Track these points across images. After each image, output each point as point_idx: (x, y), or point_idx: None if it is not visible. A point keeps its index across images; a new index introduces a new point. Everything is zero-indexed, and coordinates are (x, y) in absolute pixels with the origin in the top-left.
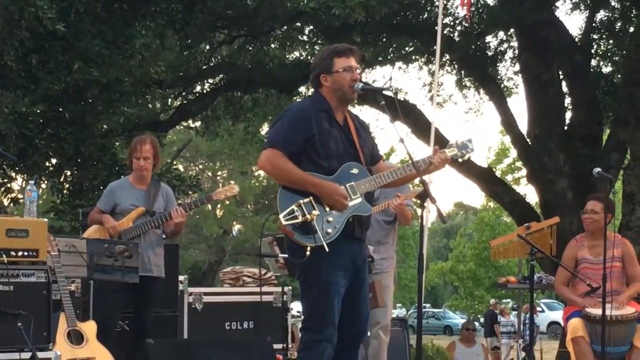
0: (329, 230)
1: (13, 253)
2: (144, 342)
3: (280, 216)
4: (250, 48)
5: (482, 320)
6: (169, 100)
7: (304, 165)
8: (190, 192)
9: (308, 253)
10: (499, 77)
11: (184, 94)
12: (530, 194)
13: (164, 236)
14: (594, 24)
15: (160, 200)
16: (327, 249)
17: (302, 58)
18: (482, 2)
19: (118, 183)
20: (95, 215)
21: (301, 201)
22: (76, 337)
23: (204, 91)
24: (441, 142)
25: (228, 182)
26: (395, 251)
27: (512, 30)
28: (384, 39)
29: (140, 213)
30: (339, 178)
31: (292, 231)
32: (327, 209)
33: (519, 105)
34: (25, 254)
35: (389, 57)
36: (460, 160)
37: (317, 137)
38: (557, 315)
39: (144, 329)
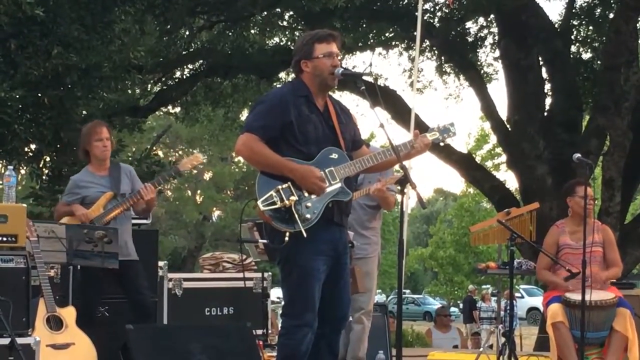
0: (308, 216)
1: None
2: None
3: (259, 202)
4: (230, 34)
5: (461, 306)
6: (149, 85)
7: (283, 151)
8: (169, 178)
9: (287, 239)
10: (479, 63)
11: (163, 79)
12: (510, 180)
13: (135, 217)
14: (573, 10)
15: (125, 181)
16: (305, 235)
17: (282, 44)
18: None
19: (80, 175)
20: (63, 208)
21: (279, 187)
22: (55, 323)
23: (184, 77)
24: (421, 128)
25: (192, 153)
26: (379, 236)
27: (492, 16)
28: (364, 25)
29: (109, 198)
30: (318, 163)
31: (270, 217)
32: (306, 194)
33: (498, 91)
34: (4, 239)
35: (369, 43)
36: (441, 144)
37: (295, 122)
38: (537, 301)
39: (147, 311)
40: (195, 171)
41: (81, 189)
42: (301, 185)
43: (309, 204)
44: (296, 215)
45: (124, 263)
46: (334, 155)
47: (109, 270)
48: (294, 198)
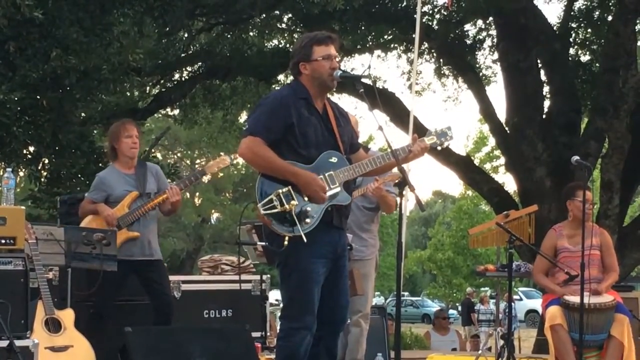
0: (307, 220)
1: None
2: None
3: (259, 205)
4: (229, 36)
5: (460, 308)
6: (147, 88)
7: (283, 154)
8: (168, 181)
9: (286, 242)
10: (477, 65)
11: (162, 81)
12: (509, 182)
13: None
14: (572, 13)
15: (151, 180)
16: (305, 240)
17: (280, 46)
18: None
19: (106, 172)
20: (89, 206)
21: (280, 191)
22: (54, 325)
23: (183, 79)
24: (420, 130)
25: (218, 155)
26: (377, 239)
27: (490, 18)
28: (363, 27)
29: (135, 197)
30: (317, 167)
31: (270, 220)
32: (306, 198)
33: (497, 93)
34: (3, 241)
35: (367, 45)
36: (439, 148)
37: (296, 125)
38: (535, 304)
39: (170, 311)
40: (221, 174)
41: (107, 186)
42: (303, 192)
43: (308, 208)
44: (296, 220)
45: (147, 262)
46: (334, 159)
47: (132, 270)
48: (294, 202)
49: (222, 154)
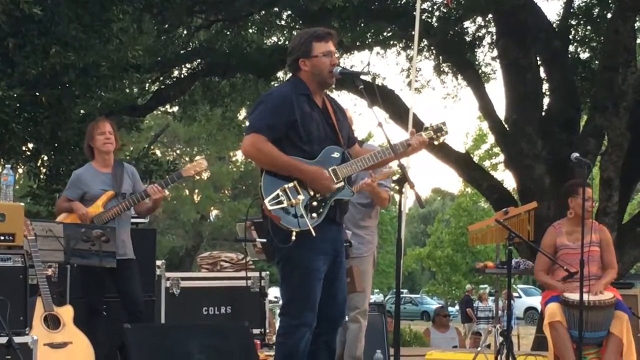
0: (314, 215)
1: None
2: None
3: (266, 201)
4: (228, 33)
5: (458, 306)
6: (147, 84)
7: (286, 150)
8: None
9: (293, 238)
10: (477, 62)
11: (161, 78)
12: (508, 180)
13: (135, 216)
14: (571, 10)
15: (127, 181)
16: (314, 234)
17: (280, 43)
18: None
19: (82, 170)
20: (64, 204)
21: (286, 186)
22: (53, 322)
23: (182, 76)
24: (419, 127)
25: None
26: (375, 235)
27: (490, 15)
28: (362, 24)
29: (110, 196)
30: (321, 162)
31: (278, 216)
32: (312, 193)
33: (496, 90)
34: (2, 238)
35: (367, 42)
36: (436, 143)
37: (299, 121)
38: (534, 301)
39: (138, 310)
40: (197, 177)
41: (83, 184)
42: (310, 187)
43: (314, 203)
44: (304, 214)
45: (119, 262)
46: (336, 154)
47: (106, 268)
48: (301, 197)
49: (198, 157)
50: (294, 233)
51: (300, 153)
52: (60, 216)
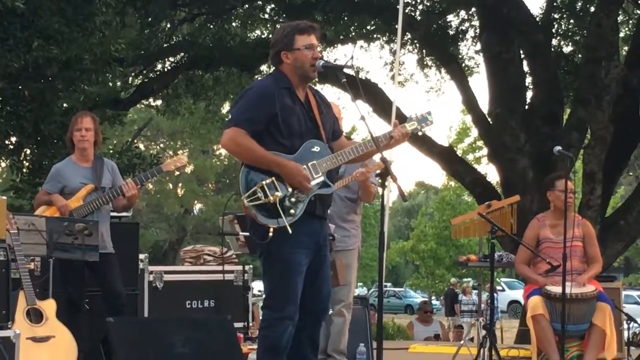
0: (292, 211)
1: None
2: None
3: (243, 197)
4: (212, 26)
5: (442, 299)
6: (130, 78)
7: (266, 144)
8: (151, 178)
9: (270, 234)
10: (460, 56)
11: (144, 72)
12: (491, 173)
13: (112, 211)
14: (555, 3)
15: (107, 175)
16: (290, 231)
17: (263, 36)
18: None
19: (62, 164)
20: (43, 197)
21: (264, 182)
22: (35, 316)
23: (165, 69)
24: (402, 120)
25: (176, 154)
26: (359, 230)
27: (473, 9)
28: (346, 17)
29: (90, 190)
30: (300, 157)
31: (255, 212)
32: (290, 189)
33: (480, 84)
34: None
35: (350, 36)
36: (420, 133)
37: (280, 115)
38: (518, 294)
39: (119, 303)
40: (177, 172)
41: (62, 177)
42: (287, 182)
43: (292, 199)
44: (281, 211)
45: (100, 255)
46: (316, 148)
47: (85, 262)
48: (278, 194)
49: (179, 152)
50: (271, 229)
51: (280, 147)
52: (40, 209)
